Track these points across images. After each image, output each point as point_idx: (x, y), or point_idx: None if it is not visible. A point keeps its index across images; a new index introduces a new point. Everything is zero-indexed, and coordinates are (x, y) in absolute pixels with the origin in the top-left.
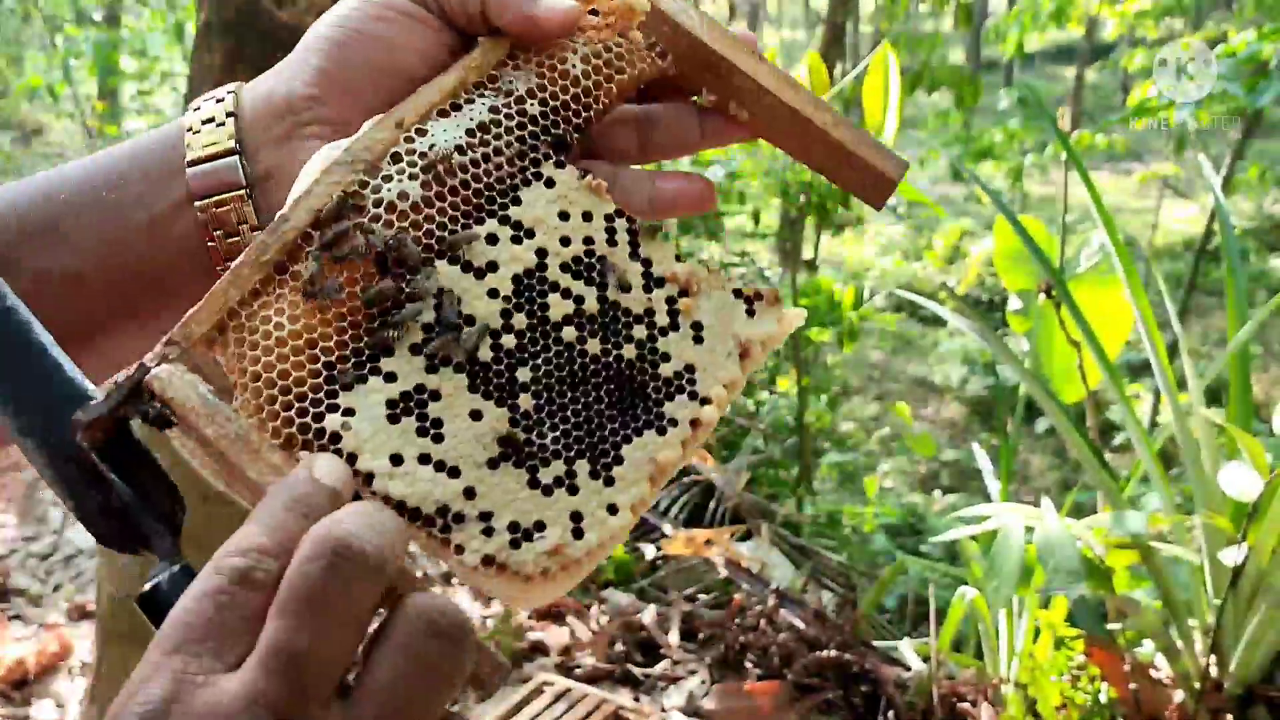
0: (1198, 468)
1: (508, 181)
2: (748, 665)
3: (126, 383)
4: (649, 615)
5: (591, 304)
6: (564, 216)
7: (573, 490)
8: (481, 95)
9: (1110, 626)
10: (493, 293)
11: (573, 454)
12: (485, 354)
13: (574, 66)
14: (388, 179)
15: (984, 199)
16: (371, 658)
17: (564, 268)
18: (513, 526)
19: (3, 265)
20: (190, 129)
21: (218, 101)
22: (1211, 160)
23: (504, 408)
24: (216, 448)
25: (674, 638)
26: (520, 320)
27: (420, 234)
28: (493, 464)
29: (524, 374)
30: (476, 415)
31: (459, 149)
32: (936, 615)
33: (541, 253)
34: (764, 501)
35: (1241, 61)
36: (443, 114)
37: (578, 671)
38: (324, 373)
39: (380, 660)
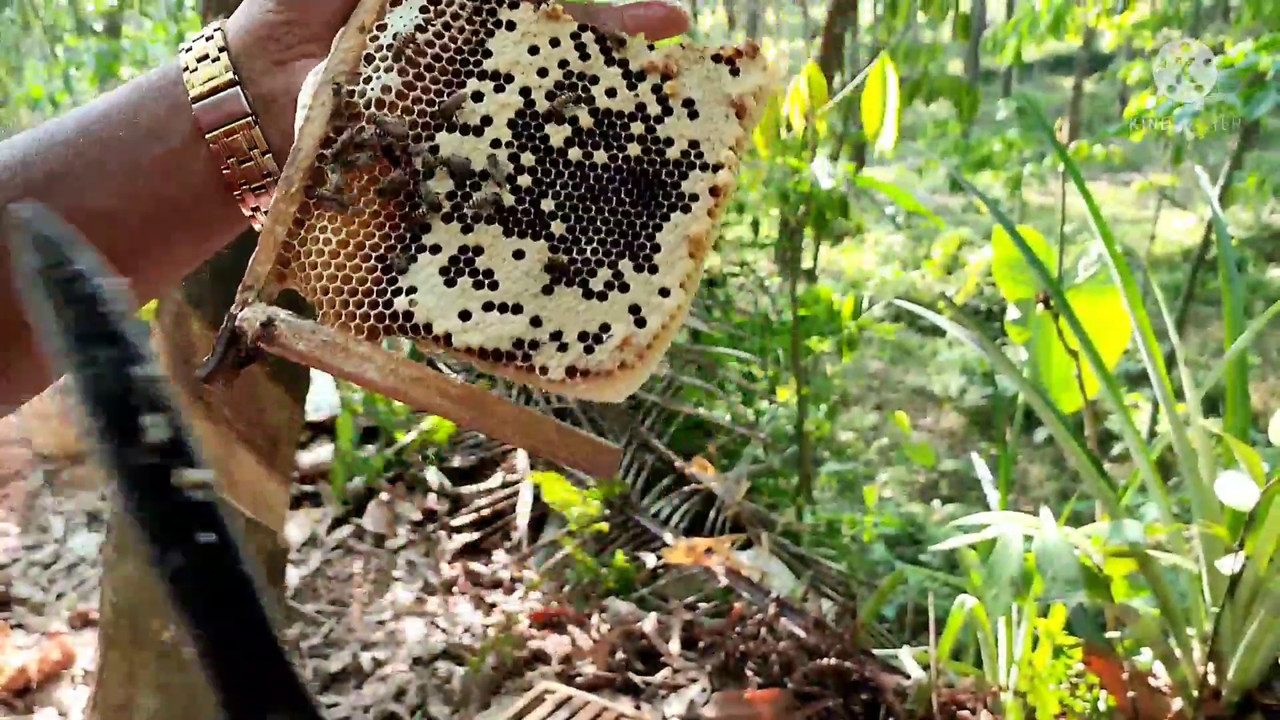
0: (1195, 477)
1: (473, 41)
2: (748, 673)
3: (223, 334)
4: (650, 623)
5: (586, 119)
6: (534, 50)
7: (624, 288)
8: None
9: (1109, 635)
10: (495, 143)
11: (614, 257)
12: (508, 199)
13: None
14: (367, 80)
15: (982, 208)
16: None
17: (549, 96)
18: (582, 335)
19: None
20: (187, 68)
21: (207, 39)
22: (1209, 171)
23: (540, 239)
24: (312, 358)
25: (675, 646)
26: (528, 158)
27: (415, 116)
28: (547, 290)
29: (548, 204)
30: (519, 254)
31: (419, 28)
32: (936, 624)
33: (525, 91)
34: (764, 510)
35: (1239, 72)
36: (395, 3)
37: (579, 680)
38: (378, 266)
39: None
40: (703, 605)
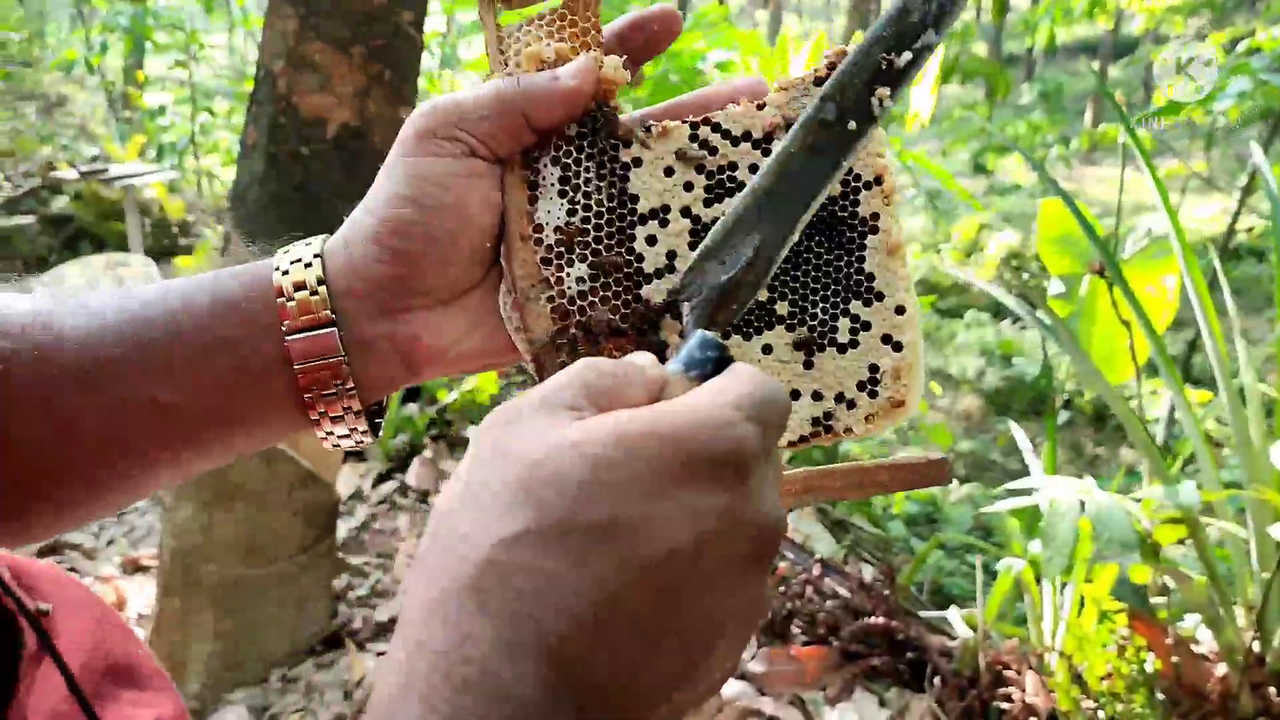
0: (1246, 444)
1: (616, 194)
2: (794, 631)
3: None
4: None
5: None
6: (669, 172)
7: (866, 326)
8: (540, 163)
9: (1153, 601)
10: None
11: (843, 305)
12: (726, 310)
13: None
14: (559, 281)
15: (1002, 191)
16: None
17: (706, 202)
18: (860, 385)
19: (101, 382)
20: (282, 293)
21: (306, 265)
22: (1235, 159)
23: (776, 326)
24: None
25: None
26: None
27: (614, 288)
28: (808, 365)
29: (762, 294)
30: (767, 349)
31: (569, 212)
32: (982, 587)
33: (686, 211)
34: None
35: (1276, 58)
36: (532, 201)
37: None
38: None
39: None
40: None
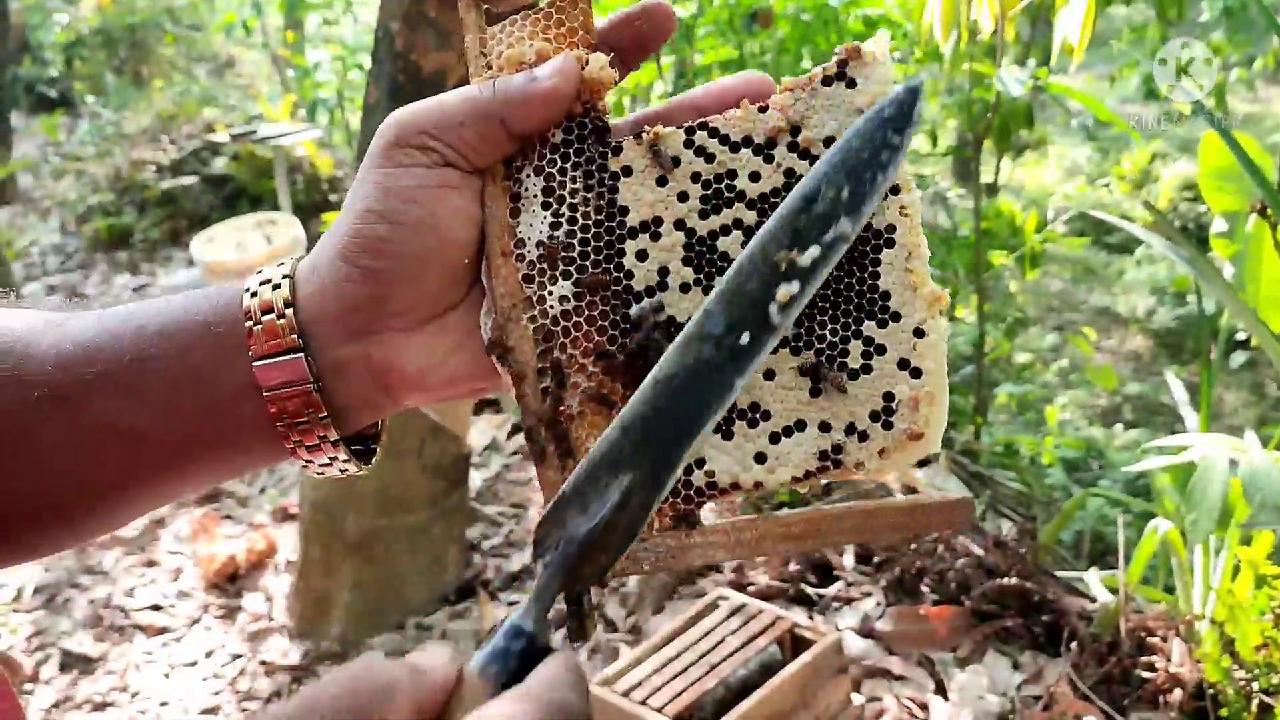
0: None
1: (605, 206)
2: (924, 590)
3: (570, 602)
4: None
5: (749, 216)
6: (662, 182)
7: (880, 350)
8: (523, 173)
9: None
10: (684, 287)
11: (855, 326)
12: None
13: None
14: (541, 300)
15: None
16: None
17: (702, 214)
18: (873, 416)
19: (71, 404)
20: (249, 315)
21: (274, 287)
22: None
23: (780, 349)
24: (659, 568)
25: (849, 560)
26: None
27: (600, 308)
28: (815, 392)
29: None
30: (770, 374)
31: (553, 226)
32: (1123, 548)
33: (679, 224)
34: None
35: None
36: (514, 214)
37: (751, 589)
38: None
39: None
40: None
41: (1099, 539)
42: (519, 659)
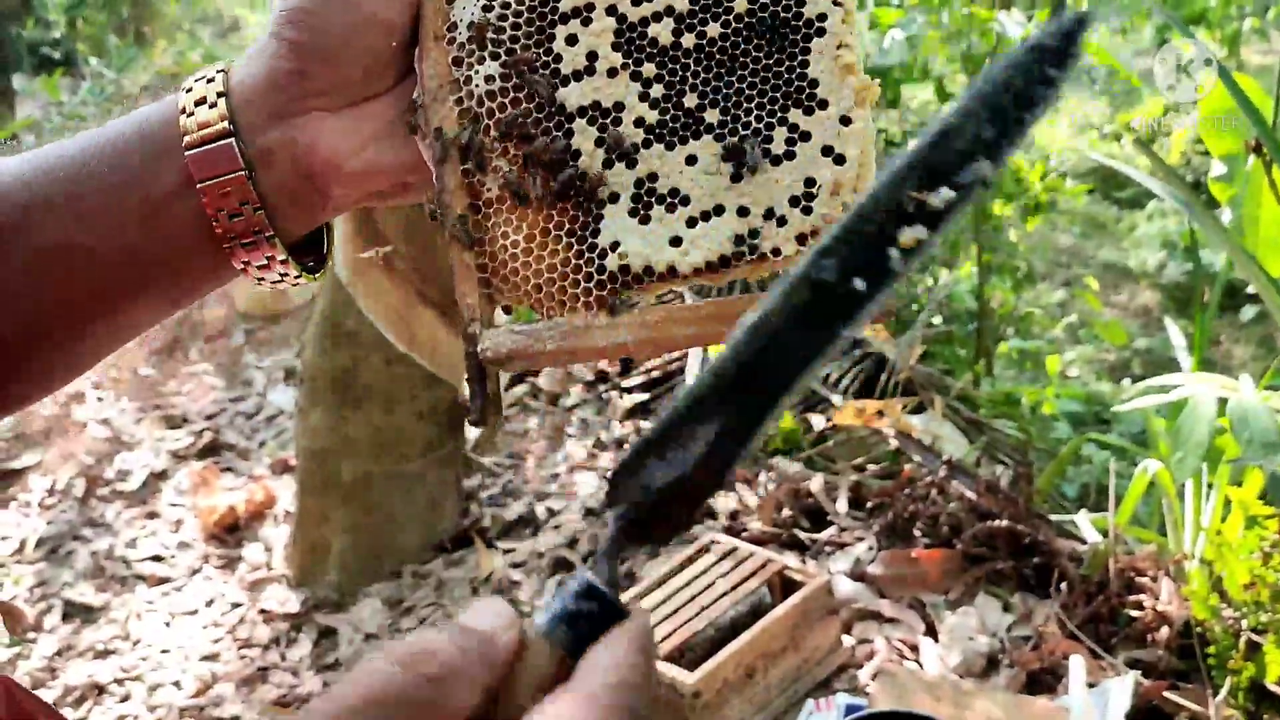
0: None
1: None
2: (916, 534)
3: (473, 374)
4: (816, 483)
5: (682, 4)
6: None
7: (805, 136)
8: None
9: None
10: (611, 71)
11: (780, 113)
12: (652, 116)
13: None
14: (468, 80)
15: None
16: None
17: (634, 1)
18: (793, 200)
19: (15, 234)
20: (183, 110)
21: (208, 81)
22: None
23: (703, 135)
24: (565, 353)
25: (842, 505)
26: (649, 69)
27: (526, 89)
28: (736, 177)
29: (691, 100)
30: (691, 160)
31: (484, 8)
32: (1116, 492)
33: (611, 10)
34: (938, 375)
35: None
36: (449, 1)
37: (744, 535)
38: (571, 241)
39: None
40: (871, 467)
41: (1104, 491)
42: (589, 622)
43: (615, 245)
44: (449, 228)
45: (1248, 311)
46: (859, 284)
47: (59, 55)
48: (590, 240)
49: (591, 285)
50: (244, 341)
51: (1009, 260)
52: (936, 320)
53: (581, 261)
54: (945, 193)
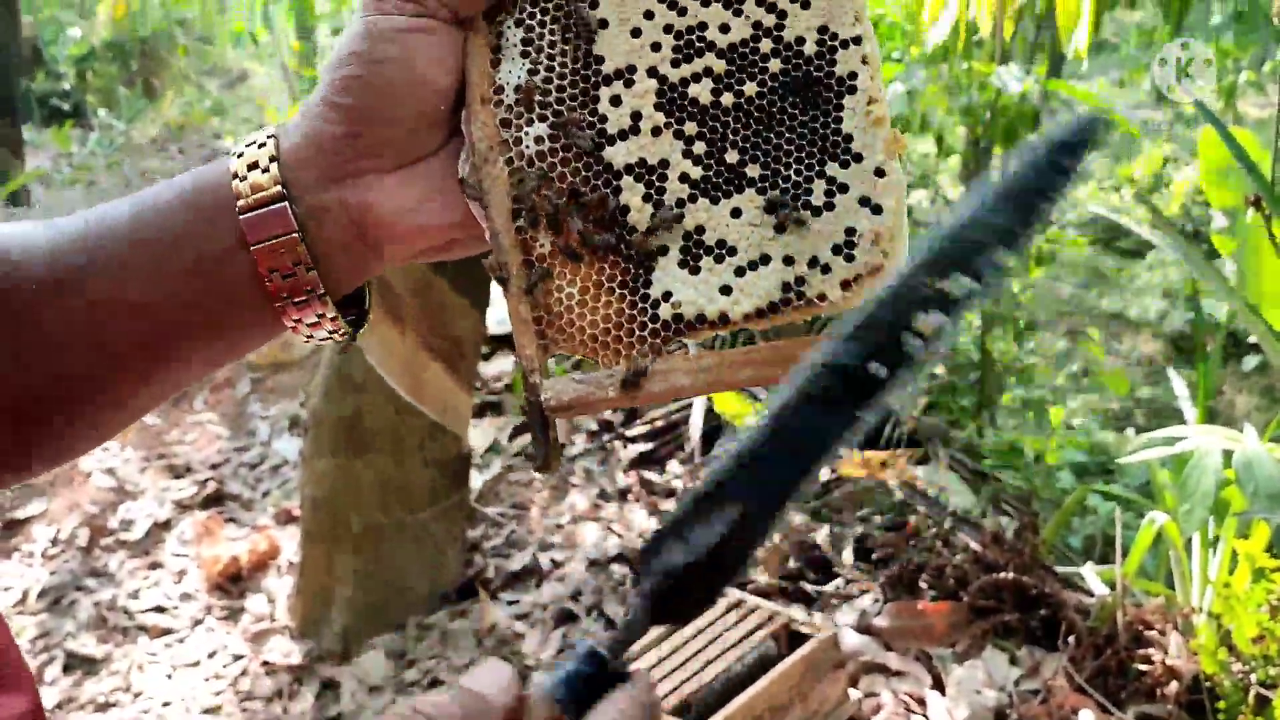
0: None
1: (581, 55)
2: (922, 586)
3: (536, 423)
4: (822, 535)
5: (718, 65)
6: (636, 33)
7: (843, 188)
8: (504, 25)
9: None
10: (655, 130)
11: (818, 167)
12: (696, 172)
13: None
14: (517, 141)
15: (1189, 121)
16: None
17: (674, 63)
18: (835, 249)
19: (69, 288)
20: (235, 174)
21: (260, 146)
22: None
23: (746, 189)
24: (617, 399)
25: (848, 557)
26: (691, 127)
27: (575, 150)
28: (780, 228)
29: (732, 156)
30: (736, 212)
31: (530, 72)
32: (1122, 544)
33: (652, 71)
34: (943, 426)
35: None
36: (495, 64)
37: (750, 587)
38: (625, 293)
39: None
40: (876, 518)
41: (1110, 543)
42: (590, 684)
43: (668, 295)
44: (508, 284)
45: (1249, 361)
46: (878, 369)
47: (68, 107)
48: (643, 291)
49: (646, 334)
50: (249, 390)
51: (1011, 310)
52: (939, 370)
53: (635, 312)
54: (964, 281)
